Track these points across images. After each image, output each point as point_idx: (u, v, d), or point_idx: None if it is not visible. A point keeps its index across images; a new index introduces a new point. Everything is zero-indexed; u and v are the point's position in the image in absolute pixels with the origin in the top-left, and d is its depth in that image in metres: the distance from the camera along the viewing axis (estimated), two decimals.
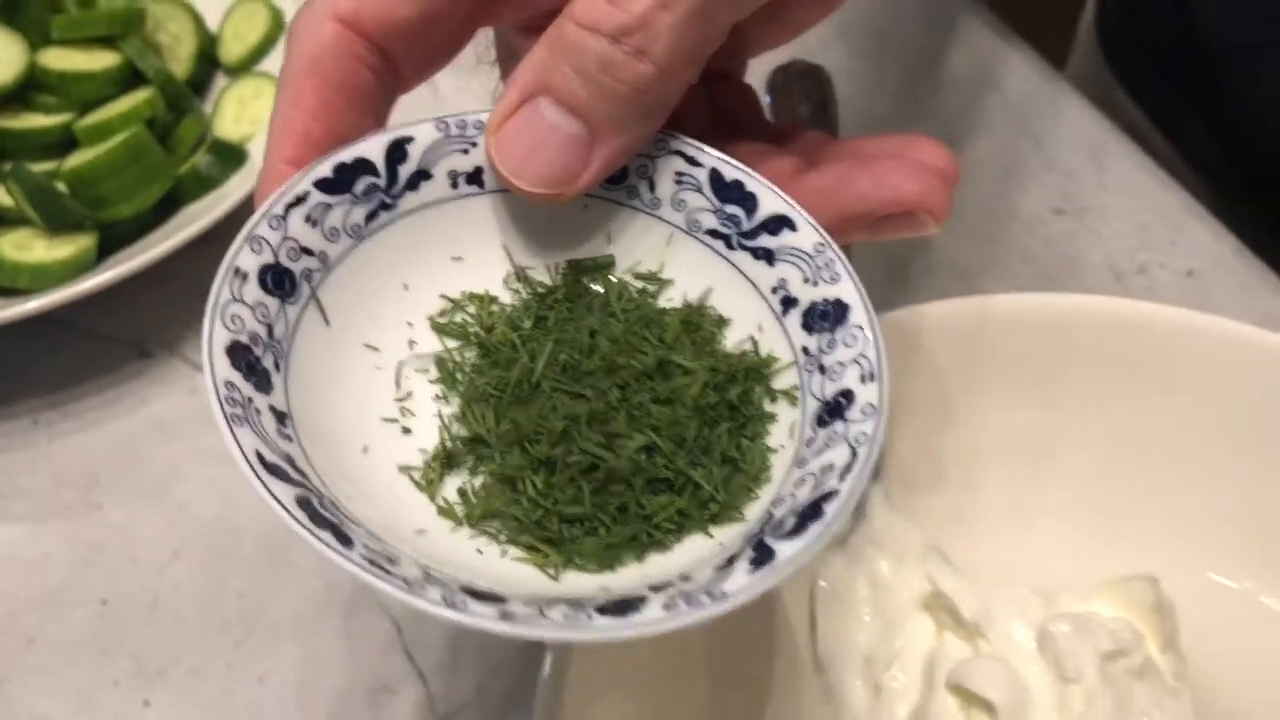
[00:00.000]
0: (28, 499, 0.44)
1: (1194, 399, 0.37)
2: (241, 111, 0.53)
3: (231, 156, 0.51)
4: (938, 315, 0.39)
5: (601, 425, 0.26)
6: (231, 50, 0.55)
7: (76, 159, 0.48)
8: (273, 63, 0.55)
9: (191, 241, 0.48)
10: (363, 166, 0.27)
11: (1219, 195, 0.58)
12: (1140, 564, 0.36)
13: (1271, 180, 0.56)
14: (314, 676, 0.40)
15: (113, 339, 0.49)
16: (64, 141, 0.50)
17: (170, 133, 0.51)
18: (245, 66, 0.55)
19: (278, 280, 0.26)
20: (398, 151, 0.28)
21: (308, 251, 0.26)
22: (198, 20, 0.55)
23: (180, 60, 0.54)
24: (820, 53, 0.51)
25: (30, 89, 0.51)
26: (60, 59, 0.51)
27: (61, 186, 0.48)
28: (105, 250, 0.48)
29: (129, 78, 0.52)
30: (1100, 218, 0.53)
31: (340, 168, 0.27)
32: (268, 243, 0.26)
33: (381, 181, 0.27)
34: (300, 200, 0.26)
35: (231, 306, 0.25)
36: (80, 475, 0.45)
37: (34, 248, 0.47)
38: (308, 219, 0.26)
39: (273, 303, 0.26)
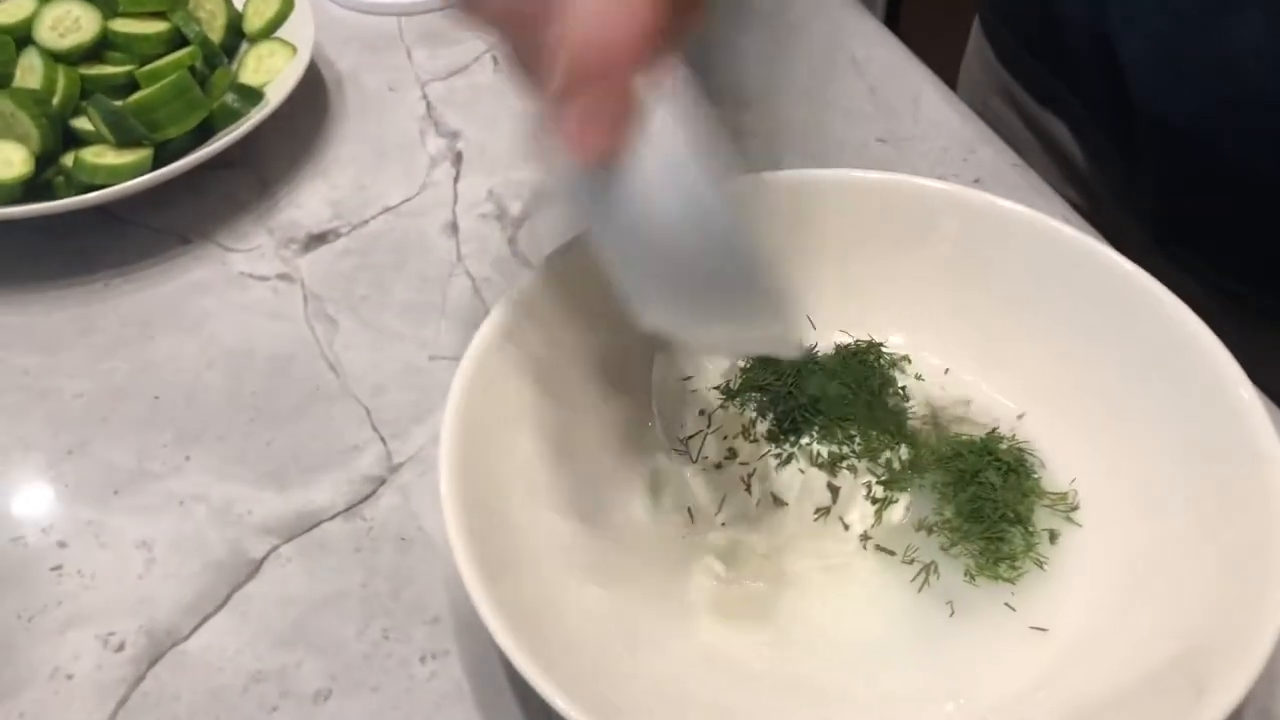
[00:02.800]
0: (101, 334, 0.61)
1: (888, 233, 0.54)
2: (259, 65, 0.70)
3: (251, 96, 0.68)
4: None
5: None
6: (253, 23, 0.72)
7: (138, 95, 0.65)
8: (284, 32, 0.72)
9: (220, 159, 0.65)
10: None
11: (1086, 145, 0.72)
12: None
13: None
14: (306, 441, 0.56)
15: (163, 230, 0.66)
16: (128, 85, 0.67)
17: (206, 80, 0.68)
18: (263, 35, 0.72)
19: None
20: None
21: None
22: (228, 1, 0.73)
23: (215, 30, 0.71)
24: None
25: (104, 48, 0.68)
26: (126, 25, 0.68)
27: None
28: (159, 162, 0.65)
29: (176, 40, 0.69)
30: (911, 145, 0.69)
31: None
32: None
33: None
34: None
35: None
36: (138, 319, 0.61)
37: (107, 156, 0.63)
38: None
39: None
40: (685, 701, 0.43)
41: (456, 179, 0.69)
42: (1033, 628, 0.44)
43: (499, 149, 0.71)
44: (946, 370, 0.54)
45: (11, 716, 0.46)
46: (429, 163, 0.70)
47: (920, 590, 0.47)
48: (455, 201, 0.68)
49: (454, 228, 0.66)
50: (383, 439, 0.55)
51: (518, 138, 0.71)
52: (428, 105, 0.74)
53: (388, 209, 0.67)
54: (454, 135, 0.72)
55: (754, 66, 0.74)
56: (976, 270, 0.53)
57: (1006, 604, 0.46)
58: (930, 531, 0.47)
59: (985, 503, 0.47)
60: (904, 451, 0.49)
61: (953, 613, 0.46)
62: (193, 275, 0.64)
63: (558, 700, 0.38)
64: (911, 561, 0.47)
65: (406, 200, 0.68)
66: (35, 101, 0.64)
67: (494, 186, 0.68)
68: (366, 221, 0.67)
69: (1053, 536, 0.47)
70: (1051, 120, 0.74)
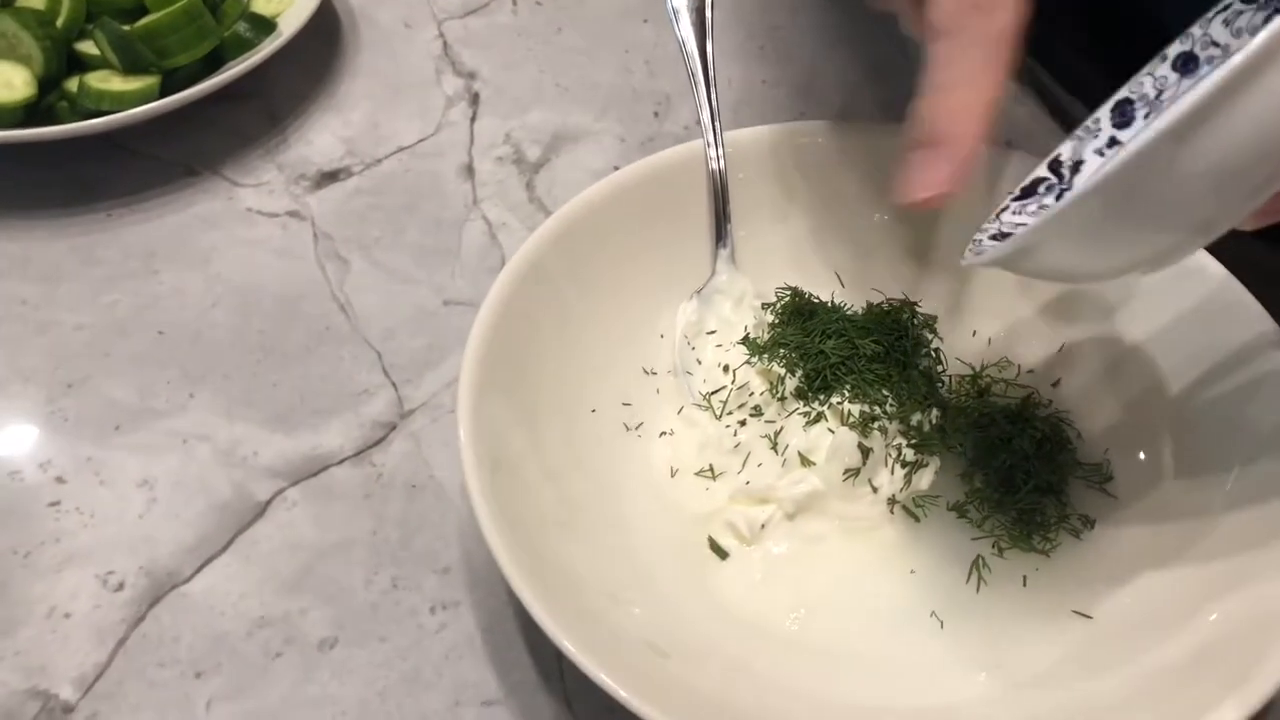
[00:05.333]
0: (103, 265, 0.59)
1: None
2: None
3: (263, 26, 0.65)
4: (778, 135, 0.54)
5: None
6: None
7: (147, 20, 0.62)
8: None
9: (228, 91, 0.63)
10: None
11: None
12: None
13: None
14: (315, 383, 0.54)
15: (169, 161, 0.64)
16: (136, 10, 0.65)
17: (218, 8, 0.66)
18: None
19: None
20: None
21: None
22: None
23: None
24: None
25: None
26: None
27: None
28: (165, 92, 0.62)
29: None
30: None
31: None
32: None
33: None
34: None
35: None
36: (142, 251, 0.59)
37: (113, 82, 0.61)
38: None
39: None
40: (705, 654, 0.42)
41: (473, 120, 0.67)
42: (1071, 609, 0.43)
43: (517, 91, 0.69)
44: (974, 333, 0.52)
45: (7, 655, 0.44)
46: (445, 103, 0.68)
47: (961, 566, 0.45)
48: (471, 143, 0.65)
49: (470, 170, 0.64)
50: (394, 384, 0.54)
51: (536, 80, 0.69)
52: (444, 44, 0.72)
53: (402, 149, 0.65)
54: (471, 75, 0.70)
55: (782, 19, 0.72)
56: None
57: (1039, 577, 0.44)
58: (961, 514, 0.45)
59: (1018, 472, 0.45)
60: (935, 415, 0.47)
61: (982, 583, 0.44)
62: (199, 208, 0.61)
63: (575, 651, 0.37)
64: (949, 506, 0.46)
65: (421, 140, 0.66)
66: (39, 23, 0.62)
67: (511, 130, 0.66)
68: (380, 161, 0.64)
69: (1090, 522, 0.45)
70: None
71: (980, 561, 0.44)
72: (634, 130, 0.66)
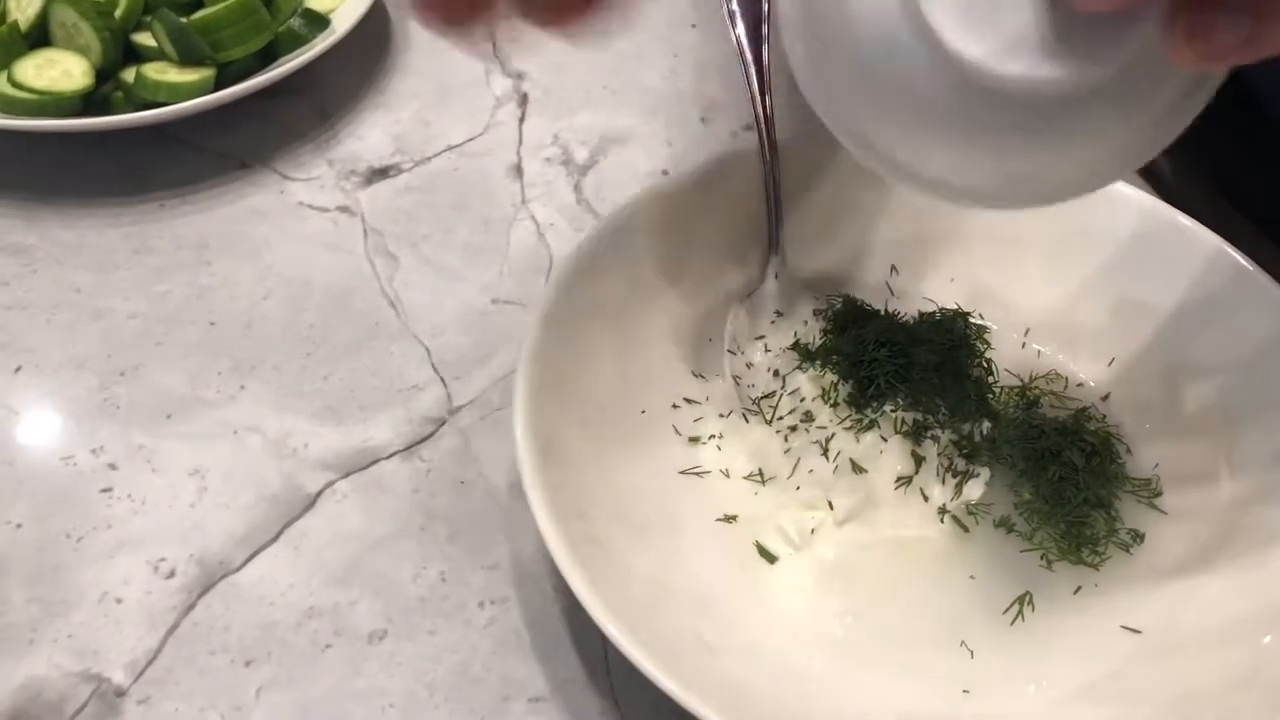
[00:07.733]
0: (155, 254, 0.59)
1: None
2: None
3: (317, 22, 0.66)
4: None
5: None
6: None
7: (204, 13, 0.63)
8: None
9: (281, 86, 0.63)
10: None
11: None
12: None
13: None
14: (365, 377, 0.54)
15: (222, 154, 0.64)
16: (192, 2, 0.65)
17: (272, 3, 0.66)
18: None
19: None
20: None
21: None
22: None
23: None
24: None
25: None
26: None
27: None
28: (219, 86, 0.63)
29: None
30: None
31: None
32: None
33: None
34: None
35: None
36: (195, 241, 0.60)
37: (169, 73, 0.62)
38: None
39: None
40: (753, 653, 0.42)
41: (522, 121, 0.67)
42: (1120, 623, 0.43)
43: (566, 93, 0.69)
44: (1024, 344, 0.52)
45: (61, 638, 0.45)
46: (494, 103, 0.68)
47: (1010, 577, 0.45)
48: (520, 144, 0.66)
49: (518, 170, 0.64)
50: (443, 380, 0.54)
51: (584, 83, 0.70)
52: (494, 44, 0.72)
53: (451, 147, 0.66)
54: (520, 76, 0.70)
55: None
56: (1065, 243, 0.51)
57: (1088, 590, 0.44)
58: (1010, 530, 0.45)
59: (1067, 485, 0.45)
60: (986, 425, 0.47)
61: (1031, 594, 0.44)
62: (251, 201, 0.62)
63: (623, 640, 0.37)
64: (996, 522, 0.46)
65: (470, 139, 0.66)
66: (98, 13, 0.62)
67: (560, 131, 0.67)
68: (429, 159, 0.65)
69: (1139, 537, 0.45)
70: None
71: (1027, 598, 0.44)
72: (682, 135, 0.67)
